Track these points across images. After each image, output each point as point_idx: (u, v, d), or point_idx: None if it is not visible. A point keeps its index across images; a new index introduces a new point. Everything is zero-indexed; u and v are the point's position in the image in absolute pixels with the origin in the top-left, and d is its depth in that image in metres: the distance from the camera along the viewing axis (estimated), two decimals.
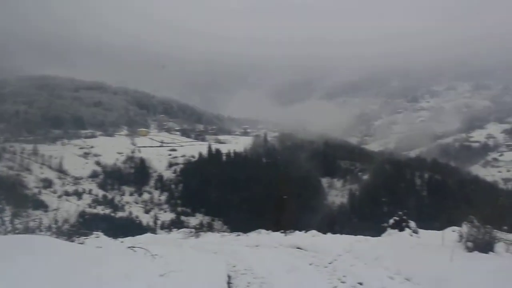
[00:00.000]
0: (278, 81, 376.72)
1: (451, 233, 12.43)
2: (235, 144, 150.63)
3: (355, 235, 16.40)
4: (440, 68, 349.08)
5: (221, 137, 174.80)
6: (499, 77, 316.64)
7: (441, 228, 13.55)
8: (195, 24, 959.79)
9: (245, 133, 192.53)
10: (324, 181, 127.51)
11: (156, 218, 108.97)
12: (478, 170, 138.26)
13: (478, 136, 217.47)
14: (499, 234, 10.57)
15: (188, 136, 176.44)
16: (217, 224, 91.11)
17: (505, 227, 10.98)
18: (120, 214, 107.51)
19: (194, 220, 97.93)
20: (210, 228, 59.37)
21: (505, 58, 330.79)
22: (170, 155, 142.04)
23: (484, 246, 10.39)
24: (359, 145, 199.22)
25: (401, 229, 15.32)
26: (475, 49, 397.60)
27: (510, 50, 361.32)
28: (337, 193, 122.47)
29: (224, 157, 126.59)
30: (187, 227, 44.39)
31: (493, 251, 10.26)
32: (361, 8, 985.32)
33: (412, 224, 15.52)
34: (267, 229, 22.67)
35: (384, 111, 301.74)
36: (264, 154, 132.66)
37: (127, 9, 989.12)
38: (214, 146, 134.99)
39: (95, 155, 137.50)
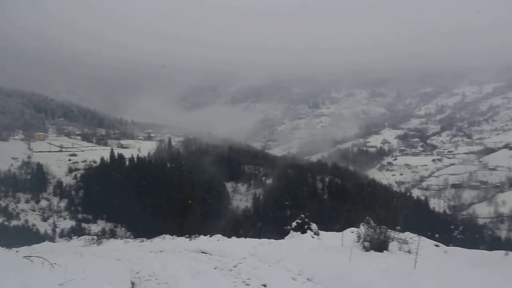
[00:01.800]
0: (184, 85, 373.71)
1: (350, 234, 12.97)
2: (138, 149, 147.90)
3: (259, 238, 16.64)
4: (339, 76, 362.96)
5: (124, 142, 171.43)
6: (392, 86, 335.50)
7: (341, 229, 14.08)
8: (97, 25, 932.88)
9: (149, 138, 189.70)
10: (229, 185, 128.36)
11: (55, 226, 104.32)
12: (374, 173, 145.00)
13: (374, 141, 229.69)
14: (393, 233, 11.20)
15: (89, 141, 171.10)
16: (120, 230, 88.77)
17: (398, 227, 11.66)
18: (14, 222, 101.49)
19: (95, 227, 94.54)
20: (112, 234, 57.76)
21: (397, 68, 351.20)
22: (70, 160, 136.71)
23: (380, 245, 10.98)
24: (263, 150, 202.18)
25: (303, 232, 15.73)
26: (371, 59, 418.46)
27: (402, 60, 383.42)
28: (241, 198, 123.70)
29: (127, 162, 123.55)
30: (89, 234, 42.92)
31: (387, 250, 10.86)
32: (269, 16, 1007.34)
33: (314, 226, 15.99)
34: (172, 235, 22.48)
35: (286, 116, 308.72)
36: (168, 159, 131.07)
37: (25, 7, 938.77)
38: (117, 151, 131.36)
39: None
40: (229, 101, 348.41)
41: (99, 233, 33.26)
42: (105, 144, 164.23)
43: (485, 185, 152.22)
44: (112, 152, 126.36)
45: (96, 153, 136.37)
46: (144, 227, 68.17)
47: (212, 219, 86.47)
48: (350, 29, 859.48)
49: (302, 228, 15.86)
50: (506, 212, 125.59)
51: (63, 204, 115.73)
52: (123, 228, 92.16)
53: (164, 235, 22.57)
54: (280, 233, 18.20)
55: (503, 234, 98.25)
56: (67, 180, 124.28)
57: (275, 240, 15.70)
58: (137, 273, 11.70)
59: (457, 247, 12.58)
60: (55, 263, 10.62)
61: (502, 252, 10.13)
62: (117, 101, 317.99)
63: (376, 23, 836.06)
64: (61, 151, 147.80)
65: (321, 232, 16.04)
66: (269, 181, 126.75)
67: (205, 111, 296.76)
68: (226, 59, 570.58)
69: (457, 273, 8.00)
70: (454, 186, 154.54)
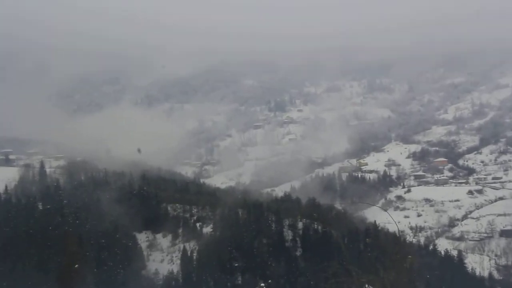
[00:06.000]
0: (64, 76, 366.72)
1: None
2: None
3: None
4: (317, 59, 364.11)
5: None
6: (400, 74, 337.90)
7: None
8: None
9: (6, 162, 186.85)
10: (142, 237, 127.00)
11: None
12: (376, 214, 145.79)
13: (374, 162, 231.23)
14: None
15: None
16: None
17: None
18: None
19: None
20: None
21: (407, 47, 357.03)
22: None
23: None
24: (197, 178, 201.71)
25: None
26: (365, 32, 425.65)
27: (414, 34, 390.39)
28: (163, 257, 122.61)
29: None
30: None
31: None
32: None
33: None
34: None
35: (234, 124, 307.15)
36: (40, 197, 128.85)
37: None
38: None
39: None
40: (141, 100, 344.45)
41: None
42: None
43: None
44: None
45: None
46: None
47: None
48: None
49: None
50: None
51: None
52: None
53: None
54: None
55: None
56: None
57: None
58: None
59: None
60: None
61: None
62: None
63: None
64: None
65: None
66: (207, 229, 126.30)
67: (102, 115, 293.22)
68: (134, 42, 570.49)
69: None
70: (504, 233, 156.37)
